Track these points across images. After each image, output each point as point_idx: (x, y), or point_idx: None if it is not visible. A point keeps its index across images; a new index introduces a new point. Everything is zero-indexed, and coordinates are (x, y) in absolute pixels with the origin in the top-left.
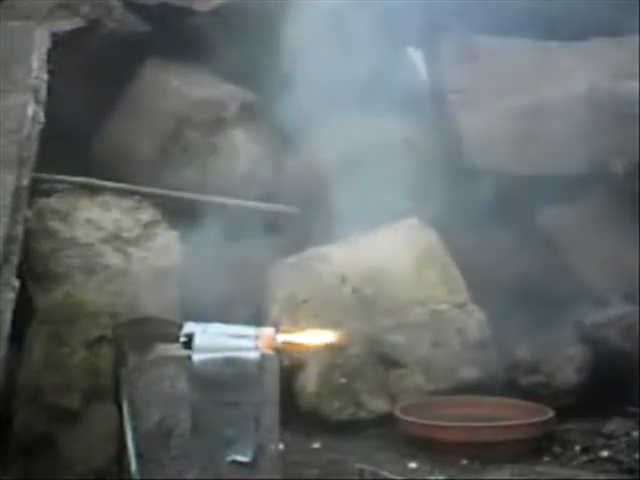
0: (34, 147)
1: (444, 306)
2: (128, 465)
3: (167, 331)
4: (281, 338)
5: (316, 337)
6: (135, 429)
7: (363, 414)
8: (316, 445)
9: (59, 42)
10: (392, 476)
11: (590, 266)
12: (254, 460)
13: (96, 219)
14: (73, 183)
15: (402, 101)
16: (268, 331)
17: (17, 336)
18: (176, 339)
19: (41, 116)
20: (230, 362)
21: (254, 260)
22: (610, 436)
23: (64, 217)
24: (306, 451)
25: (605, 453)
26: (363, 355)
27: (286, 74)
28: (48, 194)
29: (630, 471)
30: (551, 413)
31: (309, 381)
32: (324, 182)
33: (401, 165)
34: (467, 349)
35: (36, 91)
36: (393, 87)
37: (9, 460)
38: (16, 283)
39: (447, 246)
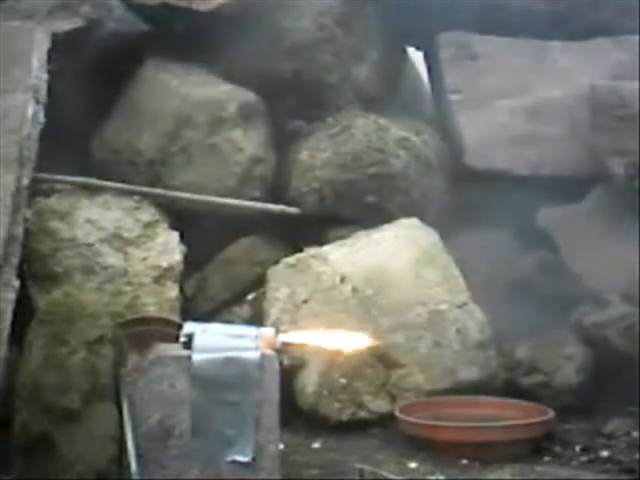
0: (34, 147)
1: (444, 306)
2: (128, 465)
3: (167, 331)
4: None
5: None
6: (135, 429)
7: (363, 414)
8: (316, 445)
9: (59, 42)
10: (392, 476)
11: (590, 266)
12: (254, 460)
13: (96, 219)
14: (73, 183)
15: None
16: (268, 331)
17: (17, 336)
18: (176, 339)
19: (41, 116)
20: (230, 362)
21: None
22: (610, 436)
23: (64, 217)
24: (306, 451)
25: (605, 453)
26: (363, 355)
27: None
28: (48, 194)
29: (630, 471)
30: (551, 413)
31: (309, 381)
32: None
33: (401, 165)
34: (467, 349)
35: (36, 91)
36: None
37: (9, 460)
38: (16, 283)
39: (447, 246)
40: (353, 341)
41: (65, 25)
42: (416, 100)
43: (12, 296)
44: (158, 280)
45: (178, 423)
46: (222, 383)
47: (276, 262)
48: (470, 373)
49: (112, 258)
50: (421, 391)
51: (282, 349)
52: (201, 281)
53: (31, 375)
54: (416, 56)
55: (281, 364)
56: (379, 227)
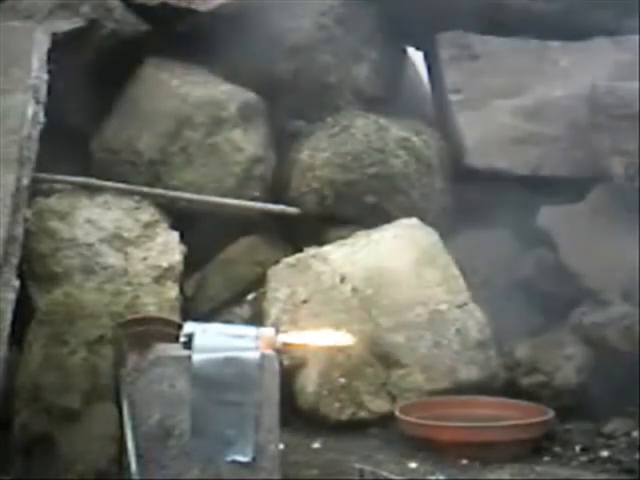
0: (34, 147)
1: (444, 306)
2: (128, 465)
3: (167, 331)
4: (288, 339)
5: (324, 338)
6: (135, 429)
7: (363, 414)
8: (316, 445)
9: (59, 42)
10: (392, 476)
11: (590, 266)
12: (254, 460)
13: (96, 219)
14: (73, 183)
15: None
16: (268, 331)
17: (17, 336)
18: (176, 339)
19: (41, 116)
20: (230, 362)
21: None
22: (610, 436)
23: (64, 217)
24: (306, 451)
25: (605, 453)
26: (363, 355)
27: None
28: (48, 194)
29: (630, 471)
30: (551, 413)
31: (309, 381)
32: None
33: (401, 165)
34: (467, 349)
35: (36, 91)
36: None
37: (9, 460)
38: (16, 283)
39: (447, 246)
40: (347, 338)
41: (65, 25)
42: (416, 100)
43: (12, 296)
44: (158, 280)
45: (178, 423)
46: (222, 383)
47: (276, 262)
48: (470, 373)
49: (112, 258)
50: (421, 391)
51: (282, 349)
52: (201, 281)
53: (31, 375)
54: (416, 56)
55: (281, 364)
56: (379, 227)
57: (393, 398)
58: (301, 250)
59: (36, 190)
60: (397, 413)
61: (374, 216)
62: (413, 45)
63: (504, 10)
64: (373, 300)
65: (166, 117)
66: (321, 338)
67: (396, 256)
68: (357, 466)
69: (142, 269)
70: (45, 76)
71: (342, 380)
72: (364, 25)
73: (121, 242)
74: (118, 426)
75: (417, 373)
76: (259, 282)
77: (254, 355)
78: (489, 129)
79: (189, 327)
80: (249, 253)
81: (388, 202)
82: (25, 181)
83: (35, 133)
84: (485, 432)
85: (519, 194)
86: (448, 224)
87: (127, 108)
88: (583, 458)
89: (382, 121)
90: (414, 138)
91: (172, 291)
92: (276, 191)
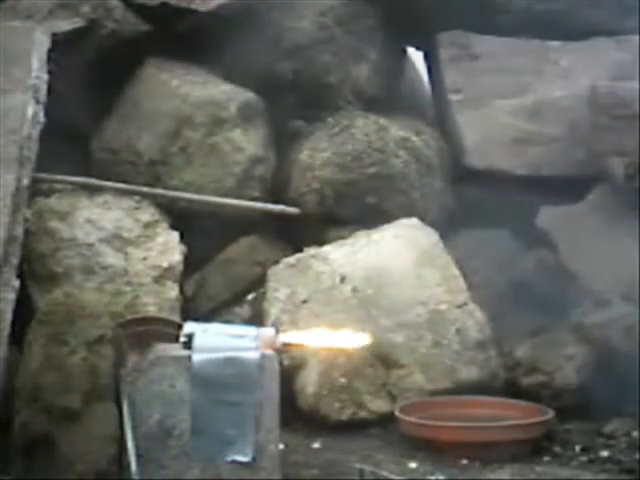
0: (34, 147)
1: (444, 306)
2: (128, 465)
3: (167, 331)
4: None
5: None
6: (135, 429)
7: (363, 414)
8: (316, 445)
9: (59, 42)
10: (392, 476)
11: (590, 266)
12: (254, 460)
13: (96, 219)
14: (73, 183)
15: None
16: (268, 331)
17: (17, 336)
18: (176, 339)
19: (41, 116)
20: (230, 362)
21: None
22: (610, 436)
23: (64, 217)
24: (306, 451)
25: (605, 453)
26: (363, 355)
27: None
28: (48, 194)
29: (630, 471)
30: (551, 413)
31: (309, 381)
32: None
33: (401, 165)
34: (467, 349)
35: (36, 91)
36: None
37: (9, 460)
38: (16, 283)
39: (447, 246)
40: (352, 340)
41: (65, 25)
42: (416, 100)
43: (12, 296)
44: (158, 280)
45: (178, 423)
46: (222, 383)
47: (276, 262)
48: (470, 373)
49: (112, 258)
50: (421, 391)
51: (282, 349)
52: (201, 281)
53: (31, 375)
54: (416, 56)
55: (281, 364)
56: (379, 227)
57: (393, 398)
58: (301, 250)
59: (36, 190)
60: (397, 413)
61: (374, 216)
62: (413, 45)
63: (504, 10)
64: (373, 300)
65: (166, 117)
66: (335, 338)
67: (396, 256)
68: (357, 466)
69: (142, 269)
70: (45, 76)
71: (342, 380)
72: (364, 25)
73: (121, 242)
74: (118, 426)
75: (417, 373)
76: (259, 282)
77: (254, 355)
78: (489, 129)
79: (189, 327)
80: (249, 253)
81: (388, 202)
82: (25, 181)
83: (35, 133)
84: (485, 432)
85: (519, 194)
86: (448, 224)
87: (127, 108)
88: (583, 458)
89: (382, 121)
90: (414, 138)
91: (172, 291)
92: (276, 191)
